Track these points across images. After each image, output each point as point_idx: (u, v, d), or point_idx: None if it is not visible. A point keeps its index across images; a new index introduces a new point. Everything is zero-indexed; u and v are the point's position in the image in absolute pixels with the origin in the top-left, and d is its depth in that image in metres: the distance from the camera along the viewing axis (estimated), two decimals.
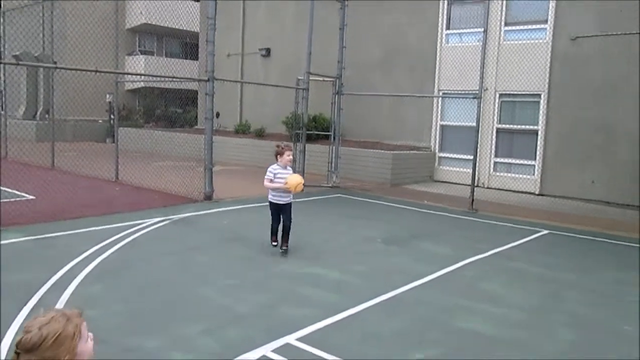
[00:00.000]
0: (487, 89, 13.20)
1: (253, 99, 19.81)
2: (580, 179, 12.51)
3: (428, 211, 10.39)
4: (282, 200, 6.69)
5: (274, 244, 6.80)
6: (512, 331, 4.60)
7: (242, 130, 18.72)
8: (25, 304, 4.58)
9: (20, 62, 8.68)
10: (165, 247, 6.79)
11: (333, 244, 7.50)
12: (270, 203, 6.77)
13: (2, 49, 20.72)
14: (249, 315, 4.68)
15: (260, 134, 17.81)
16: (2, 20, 17.22)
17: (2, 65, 13.57)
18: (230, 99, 19.85)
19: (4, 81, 16.13)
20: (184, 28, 25.15)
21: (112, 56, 12.89)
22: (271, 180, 6.54)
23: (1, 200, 7.37)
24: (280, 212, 6.73)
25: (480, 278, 6.12)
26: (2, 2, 27.05)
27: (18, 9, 17.17)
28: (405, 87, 15.01)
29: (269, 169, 6.61)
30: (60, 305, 4.62)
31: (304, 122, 12.39)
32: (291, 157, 6.70)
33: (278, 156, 6.61)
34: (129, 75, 22.75)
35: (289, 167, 6.66)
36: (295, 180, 6.47)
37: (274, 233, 6.83)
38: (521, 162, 13.58)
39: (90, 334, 1.72)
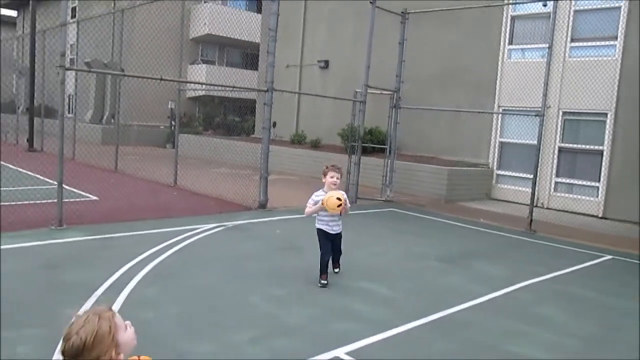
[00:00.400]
0: (550, 106, 12.80)
1: (310, 110, 19.99)
2: None
3: (484, 230, 10.14)
4: (332, 229, 5.89)
5: (323, 282, 5.74)
6: (566, 359, 4.40)
7: (298, 140, 18.90)
8: (83, 304, 4.75)
9: (92, 69, 9.09)
10: (219, 253, 6.91)
11: (385, 258, 7.43)
12: (319, 230, 5.92)
13: (75, 56, 21.81)
14: (298, 326, 4.68)
15: (315, 145, 17.92)
16: (76, 29, 18.14)
17: (74, 72, 14.25)
18: (288, 109, 20.09)
19: (75, 86, 16.93)
20: (246, 39, 25.73)
21: (176, 65, 13.32)
22: (311, 206, 5.86)
23: (64, 200, 7.68)
24: (331, 243, 5.93)
25: (536, 302, 5.90)
26: (77, 13, 28.47)
27: (91, 18, 18.04)
28: (464, 102, 14.76)
29: (313, 194, 5.97)
30: (117, 306, 4.77)
31: (360, 135, 12.38)
32: (335, 179, 5.84)
33: (323, 177, 5.96)
34: (190, 85, 23.44)
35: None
36: (332, 200, 5.56)
37: (324, 270, 5.79)
38: (584, 183, 13.07)
39: (127, 322, 1.76)
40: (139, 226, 8.01)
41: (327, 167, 5.99)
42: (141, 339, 4.27)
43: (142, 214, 8.86)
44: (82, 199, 9.84)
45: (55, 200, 7.64)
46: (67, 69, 7.56)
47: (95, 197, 10.09)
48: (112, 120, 23.19)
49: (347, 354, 4.15)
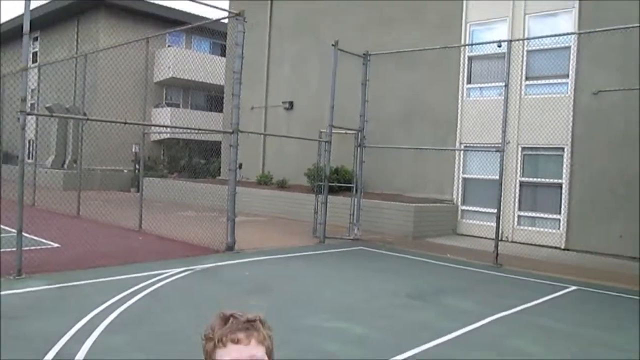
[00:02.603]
0: (509, 142, 13.19)
1: (276, 151, 20.07)
2: (607, 233, 12.25)
3: (452, 265, 10.22)
4: None
5: None
6: None
7: (264, 181, 18.87)
8: (45, 355, 4.55)
9: (53, 114, 8.96)
10: (187, 298, 6.76)
11: (355, 297, 7.38)
12: None
13: (36, 101, 21.50)
14: None
15: (282, 185, 17.93)
16: (38, 74, 17.95)
17: (35, 117, 14.03)
18: (253, 151, 20.13)
19: (36, 131, 16.63)
20: (210, 81, 25.87)
21: (140, 108, 13.27)
22: None
23: (23, 248, 7.43)
24: None
25: (508, 335, 5.94)
26: (38, 57, 28.23)
27: (53, 63, 17.91)
28: (427, 140, 15.08)
29: None
30: (81, 356, 4.59)
31: (326, 174, 12.46)
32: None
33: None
34: (154, 128, 23.32)
35: None
36: None
37: None
38: (546, 215, 13.39)
39: None
40: (103, 273, 7.79)
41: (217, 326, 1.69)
42: None
43: (107, 260, 8.62)
44: (43, 247, 9.54)
45: (14, 249, 7.39)
46: (28, 114, 7.44)
47: (56, 245, 9.79)
48: (74, 165, 22.77)
49: None
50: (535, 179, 13.67)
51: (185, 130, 22.17)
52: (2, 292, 6.48)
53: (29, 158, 19.30)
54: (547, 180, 13.43)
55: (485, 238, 12.89)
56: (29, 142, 18.50)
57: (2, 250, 8.62)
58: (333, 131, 12.36)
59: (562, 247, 12.91)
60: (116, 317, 5.71)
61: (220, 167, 23.01)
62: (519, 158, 13.85)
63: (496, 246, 10.46)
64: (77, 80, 19.68)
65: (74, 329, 5.24)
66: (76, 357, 4.54)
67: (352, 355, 5.01)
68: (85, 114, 13.80)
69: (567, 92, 13.12)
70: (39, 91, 19.59)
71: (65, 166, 24.09)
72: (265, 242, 11.33)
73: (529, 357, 5.26)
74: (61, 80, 20.49)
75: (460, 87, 14.99)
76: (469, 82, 14.94)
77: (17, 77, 17.51)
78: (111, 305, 6.15)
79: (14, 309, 5.89)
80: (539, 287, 8.61)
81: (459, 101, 14.99)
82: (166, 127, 20.45)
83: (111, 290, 6.78)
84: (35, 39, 29.97)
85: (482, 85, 14.73)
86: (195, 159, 26.93)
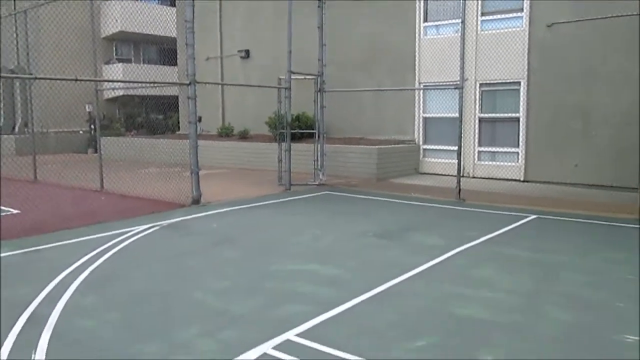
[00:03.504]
0: (467, 79, 13.28)
1: (235, 102, 19.75)
2: (563, 164, 12.67)
3: (416, 203, 10.44)
4: None
5: None
6: (508, 315, 4.63)
7: (225, 133, 18.63)
8: (18, 318, 4.51)
9: None
10: (156, 253, 6.74)
11: (324, 240, 7.50)
12: None
13: None
14: (246, 315, 4.66)
15: (244, 136, 17.75)
16: None
17: None
18: (212, 103, 19.76)
19: None
20: (162, 34, 24.97)
21: (90, 65, 12.74)
22: None
23: None
24: None
25: (473, 265, 6.16)
26: None
27: None
28: (387, 81, 15.06)
29: None
30: (55, 317, 4.56)
31: (288, 122, 12.37)
32: None
33: None
34: (108, 84, 22.54)
35: None
36: None
37: None
38: (505, 150, 13.71)
39: None
40: (67, 235, 7.66)
41: None
42: (84, 348, 4.14)
43: (70, 222, 8.47)
44: (2, 214, 9.28)
45: None
46: None
47: (16, 210, 9.54)
48: (26, 129, 21.96)
49: (298, 335, 4.18)
50: (493, 115, 13.90)
51: (140, 86, 21.52)
52: None
53: None
54: (505, 115, 13.67)
55: (448, 175, 13.14)
56: None
57: None
58: (292, 77, 12.19)
59: (522, 179, 13.31)
60: (86, 278, 5.67)
61: (179, 122, 22.57)
62: (477, 94, 14.01)
63: (458, 182, 10.71)
64: (19, 39, 18.71)
65: (43, 293, 5.19)
66: (49, 319, 4.51)
67: (324, 295, 5.13)
68: (31, 74, 13.21)
69: (522, 26, 13.20)
70: None
71: (16, 130, 23.22)
72: (231, 194, 11.30)
73: (493, 284, 5.49)
74: (2, 40, 19.42)
75: (417, 26, 14.89)
76: (426, 20, 14.84)
77: None
78: (80, 266, 6.09)
79: None
80: (500, 218, 8.91)
81: (417, 40, 14.93)
82: (120, 82, 19.78)
83: (78, 251, 6.70)
84: None
85: (439, 23, 14.66)
86: (153, 115, 26.31)
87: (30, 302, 4.91)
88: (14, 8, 21.91)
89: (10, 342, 4.08)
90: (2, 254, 6.66)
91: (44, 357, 3.82)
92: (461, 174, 10.95)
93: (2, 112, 23.60)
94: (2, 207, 9.72)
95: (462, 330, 4.32)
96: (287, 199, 10.98)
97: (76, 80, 8.50)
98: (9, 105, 23.63)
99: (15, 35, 19.32)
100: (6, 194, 10.65)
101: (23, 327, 4.36)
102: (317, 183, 12.74)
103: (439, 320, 4.52)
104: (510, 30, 13.37)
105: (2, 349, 3.95)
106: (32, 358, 3.81)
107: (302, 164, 13.64)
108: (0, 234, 7.41)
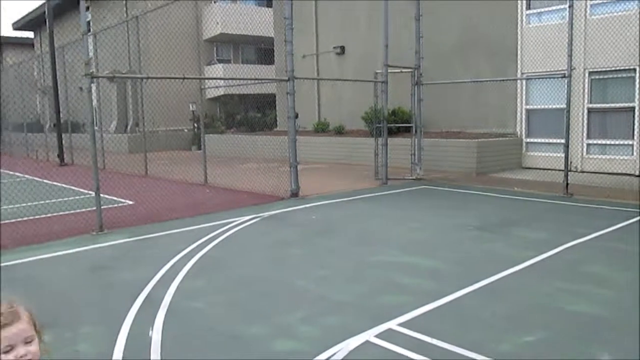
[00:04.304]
0: (575, 67, 12.52)
1: (330, 98, 19.95)
2: None
3: (519, 198, 10.00)
4: None
5: None
6: (622, 312, 4.32)
7: (321, 129, 18.89)
8: (135, 299, 4.84)
9: (116, 75, 9.22)
10: (259, 242, 6.97)
11: (424, 233, 7.39)
12: None
13: (94, 69, 22.13)
14: (348, 303, 4.70)
15: (339, 131, 17.89)
16: (93, 42, 18.37)
17: (97, 84, 14.47)
18: (308, 100, 20.09)
19: (98, 99, 17.19)
20: (259, 34, 25.76)
21: (195, 66, 13.42)
22: None
23: (102, 207, 7.81)
24: None
25: (584, 261, 5.81)
26: (91, 26, 28.83)
27: (107, 29, 18.26)
28: (486, 73, 14.55)
29: None
30: (167, 299, 4.85)
31: (384, 116, 12.30)
32: None
33: None
34: (209, 84, 23.58)
35: None
36: None
37: None
38: (617, 142, 12.78)
39: None
40: (177, 224, 8.12)
41: None
42: (194, 327, 4.36)
43: (179, 213, 8.98)
44: (119, 205, 10.02)
45: (94, 208, 7.80)
46: (93, 77, 7.67)
47: (130, 202, 10.25)
48: (136, 128, 23.51)
49: (400, 325, 4.15)
50: (604, 105, 13.00)
51: (239, 85, 22.35)
52: (88, 247, 6.91)
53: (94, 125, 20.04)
54: (618, 104, 12.74)
55: (553, 169, 12.49)
56: (93, 109, 19.17)
57: (82, 210, 9.17)
58: (388, 71, 12.11)
59: (637, 173, 12.34)
60: (195, 263, 5.98)
61: (276, 119, 23.16)
62: (586, 83, 13.16)
63: (566, 175, 10.13)
64: (131, 44, 20.07)
65: (157, 276, 5.54)
66: (164, 300, 4.81)
67: (426, 287, 5.06)
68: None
69: (636, 8, 12.22)
70: (96, 58, 20.11)
71: (128, 130, 24.94)
72: (328, 188, 11.44)
73: (607, 281, 5.14)
74: (115, 47, 20.92)
75: (519, 14, 14.25)
76: (528, 7, 14.16)
77: (75, 46, 18.03)
78: (189, 253, 6.43)
79: (102, 260, 6.27)
80: (612, 214, 8.32)
81: (518, 29, 14.28)
82: (223, 79, 20.71)
83: (187, 239, 7.08)
84: (87, 8, 30.57)
85: (543, 9, 13.93)
86: (251, 113, 27.19)
87: (147, 284, 5.25)
88: (126, 15, 23.52)
89: (130, 319, 4.39)
90: (119, 241, 7.18)
91: (159, 335, 4.08)
92: (568, 168, 10.34)
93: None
94: (116, 199, 10.49)
95: (573, 327, 4.09)
96: (384, 193, 10.93)
97: (184, 78, 8.98)
98: (122, 107, 25.42)
99: (127, 42, 20.76)
100: (121, 187, 11.49)
101: (141, 305, 4.68)
102: (414, 177, 12.58)
103: (548, 316, 4.31)
104: (622, 13, 12.43)
105: (123, 325, 4.26)
106: (150, 334, 4.08)
107: (399, 159, 13.51)
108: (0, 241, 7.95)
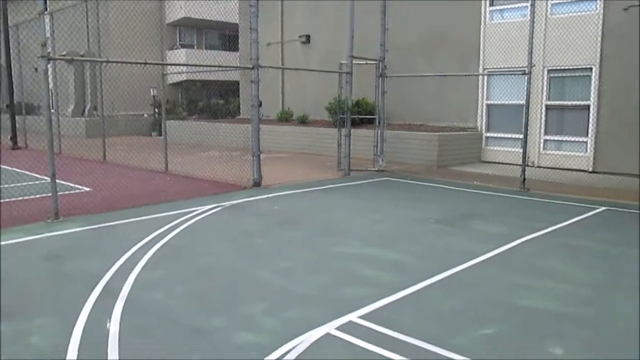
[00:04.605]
0: (534, 65, 12.80)
1: (294, 87, 19.85)
2: (635, 155, 12.03)
3: (478, 191, 10.22)
4: None
5: None
6: (576, 307, 4.48)
7: (285, 118, 18.80)
8: (92, 289, 4.73)
9: (75, 58, 8.93)
10: (221, 232, 6.91)
11: (386, 224, 7.47)
12: None
13: (50, 50, 21.35)
14: (309, 295, 4.71)
15: (303, 121, 17.84)
16: (50, 22, 17.71)
17: (54, 66, 14.00)
18: (272, 88, 19.94)
19: (55, 81, 16.62)
20: (224, 19, 25.38)
21: (156, 51, 13.10)
22: None
23: (58, 193, 7.58)
24: None
25: (539, 255, 5.98)
26: (48, 5, 27.86)
27: (65, 9, 17.63)
28: (449, 67, 14.73)
29: None
30: (127, 289, 4.76)
31: (348, 107, 12.33)
32: None
33: None
34: (171, 70, 23.12)
35: None
36: None
37: None
38: (572, 139, 13.17)
39: None
40: (136, 212, 7.96)
41: None
42: (154, 319, 4.29)
43: (138, 200, 8.80)
44: (75, 191, 9.75)
45: (49, 195, 7.56)
46: (50, 59, 7.40)
47: (88, 188, 9.99)
48: (95, 112, 22.88)
49: (361, 317, 4.19)
50: (561, 102, 13.36)
51: (201, 71, 22.00)
52: (43, 235, 6.70)
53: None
54: (574, 102, 13.12)
55: (511, 164, 12.80)
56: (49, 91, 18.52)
57: (37, 196, 8.87)
58: (353, 62, 12.12)
59: (590, 169, 12.77)
60: (155, 253, 5.88)
61: (239, 107, 22.92)
62: (545, 81, 13.49)
63: (523, 171, 10.39)
64: (90, 25, 19.45)
65: (116, 265, 5.42)
66: (122, 291, 4.71)
67: (387, 279, 5.11)
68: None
69: (596, 9, 12.57)
70: (53, 39, 19.41)
71: (86, 113, 24.24)
72: (291, 177, 11.41)
73: (562, 275, 5.31)
74: (73, 27, 20.23)
75: (482, 11, 14.46)
76: (492, 4, 14.39)
77: (31, 25, 17.36)
78: (148, 242, 6.32)
79: (56, 249, 6.09)
80: (567, 209, 8.59)
81: (482, 25, 14.50)
82: (186, 65, 20.33)
83: (146, 228, 6.95)
84: None
85: (505, 6, 14.18)
86: (214, 100, 26.85)
87: (104, 274, 5.14)
88: None
89: (87, 310, 4.28)
90: (75, 229, 7.00)
91: (117, 327, 4.00)
92: (526, 163, 10.61)
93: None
94: (73, 185, 10.20)
95: (528, 321, 4.21)
96: (346, 184, 10.98)
97: (146, 63, 8.76)
98: (80, 91, 24.65)
99: (86, 22, 20.10)
100: (78, 173, 11.18)
101: (98, 296, 4.58)
102: (376, 169, 12.68)
103: (504, 310, 4.42)
104: (582, 13, 12.76)
105: (79, 317, 4.16)
106: (107, 326, 3.99)
107: (362, 150, 13.59)
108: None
